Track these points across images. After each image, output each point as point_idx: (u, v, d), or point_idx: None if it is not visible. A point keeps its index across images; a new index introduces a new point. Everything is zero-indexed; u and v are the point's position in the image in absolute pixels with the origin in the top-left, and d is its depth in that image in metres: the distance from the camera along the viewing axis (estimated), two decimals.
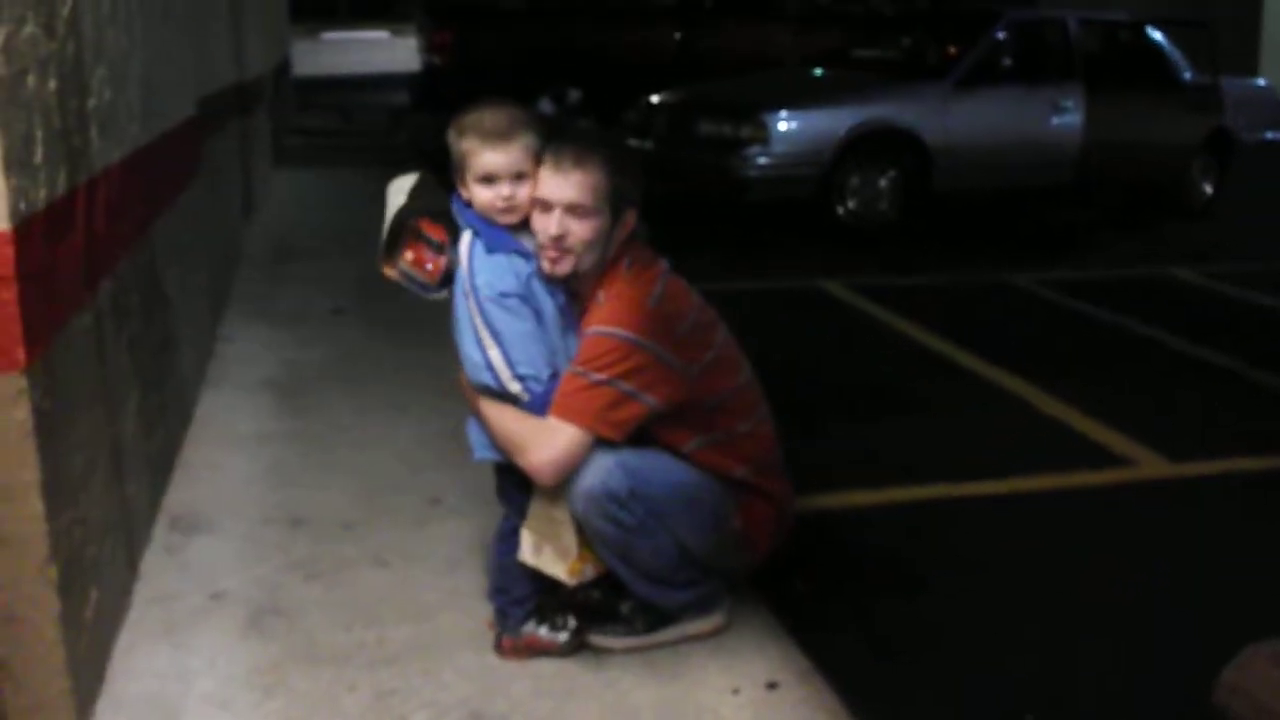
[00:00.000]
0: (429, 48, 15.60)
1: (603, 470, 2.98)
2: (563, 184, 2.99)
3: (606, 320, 3.03)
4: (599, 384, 2.97)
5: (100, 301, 3.27)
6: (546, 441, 2.98)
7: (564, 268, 3.03)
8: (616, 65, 14.15)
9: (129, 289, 3.70)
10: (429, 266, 3.12)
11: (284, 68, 14.88)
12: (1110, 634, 3.62)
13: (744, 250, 9.29)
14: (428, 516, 4.07)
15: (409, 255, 3.13)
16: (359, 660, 3.19)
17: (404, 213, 3.12)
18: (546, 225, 3.00)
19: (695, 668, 3.21)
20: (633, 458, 3.03)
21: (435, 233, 3.10)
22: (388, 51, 25.40)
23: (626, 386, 2.98)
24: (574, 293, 3.15)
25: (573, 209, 2.99)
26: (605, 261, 3.11)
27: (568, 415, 2.97)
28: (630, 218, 3.12)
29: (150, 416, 3.93)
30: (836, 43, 12.39)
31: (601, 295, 3.10)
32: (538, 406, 3.00)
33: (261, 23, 10.82)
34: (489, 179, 3.00)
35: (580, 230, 3.00)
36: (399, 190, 3.18)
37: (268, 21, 11.72)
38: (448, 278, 3.11)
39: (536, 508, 3.12)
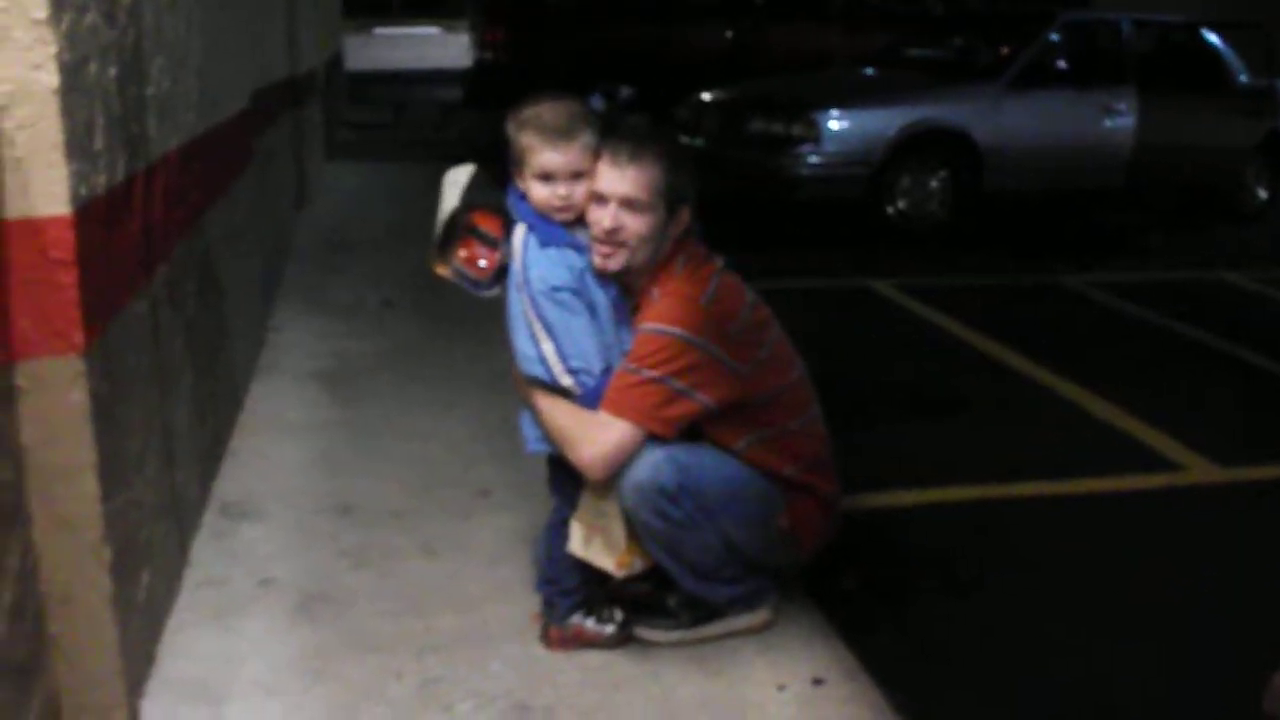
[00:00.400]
0: (482, 44, 15.71)
1: (653, 464, 2.99)
2: (619, 178, 2.99)
3: (660, 318, 3.03)
4: (651, 381, 2.97)
5: (156, 287, 3.30)
6: (597, 436, 2.98)
7: (616, 262, 3.03)
8: (668, 63, 14.17)
9: (184, 276, 3.74)
10: (482, 263, 3.12)
11: (336, 62, 14.96)
12: (1156, 638, 3.60)
13: (793, 249, 9.26)
14: (476, 508, 4.08)
15: (461, 253, 3.13)
16: (406, 648, 3.21)
17: (457, 210, 3.13)
18: (601, 218, 3.00)
19: (741, 663, 3.21)
20: (683, 453, 3.03)
21: (490, 226, 3.10)
22: (439, 47, 25.48)
23: (678, 384, 2.98)
24: (627, 288, 3.15)
25: (627, 203, 2.99)
26: (659, 258, 3.11)
27: (619, 410, 2.98)
28: (684, 215, 3.12)
29: (202, 403, 3.96)
30: (887, 42, 12.34)
31: (656, 292, 3.10)
32: (590, 400, 3.00)
33: (315, 17, 10.88)
34: (547, 177, 3.00)
35: (634, 225, 3.00)
36: (453, 183, 3.17)
37: (321, 15, 11.79)
38: (500, 274, 3.12)
39: (586, 500, 3.13)
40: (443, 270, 3.18)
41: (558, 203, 3.01)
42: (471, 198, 3.13)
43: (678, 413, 3.01)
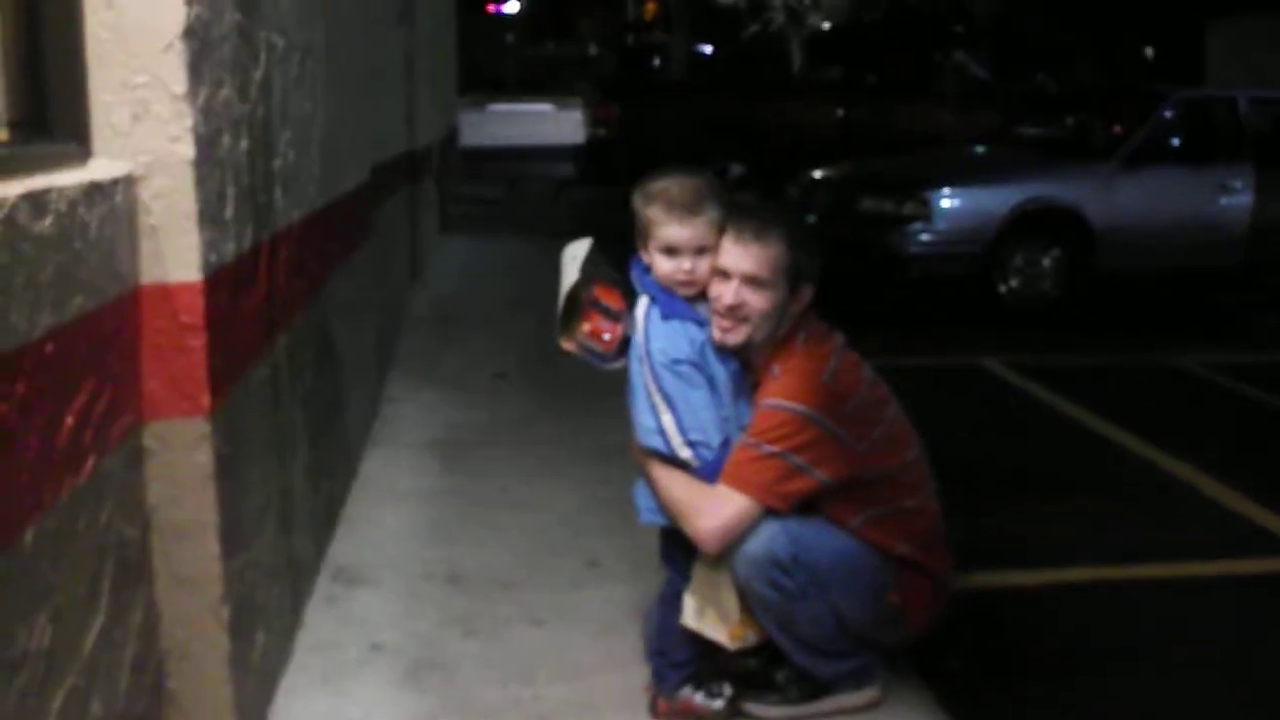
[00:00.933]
0: (595, 120, 15.89)
1: (768, 536, 2.99)
2: (742, 255, 3.02)
3: (781, 393, 3.04)
4: (771, 456, 2.98)
5: (277, 354, 3.38)
6: (715, 509, 2.99)
7: (736, 338, 3.05)
8: (779, 140, 14.22)
9: (303, 344, 3.82)
10: (606, 336, 3.14)
11: (451, 137, 15.23)
12: None
13: (904, 327, 9.22)
14: (585, 579, 4.09)
15: (585, 327, 3.15)
16: (513, 716, 3.22)
17: (579, 284, 3.15)
18: (723, 294, 3.03)
19: None
20: (796, 525, 3.02)
21: (612, 300, 3.13)
22: (551, 124, 25.89)
23: (798, 460, 2.98)
24: (747, 363, 3.16)
25: (750, 280, 3.02)
26: (780, 334, 3.13)
27: (738, 484, 2.99)
28: (806, 293, 3.13)
29: (317, 469, 4.03)
30: (999, 121, 12.31)
31: (777, 368, 3.11)
32: (707, 473, 3.01)
33: (432, 94, 11.11)
34: (671, 251, 3.03)
35: (756, 302, 3.02)
36: (572, 258, 3.20)
37: (438, 93, 12.03)
38: (624, 347, 3.14)
39: (700, 572, 3.12)
40: (569, 344, 3.20)
41: (681, 276, 3.04)
42: (591, 271, 3.15)
43: (795, 488, 3.01)
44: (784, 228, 3.10)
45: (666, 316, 3.04)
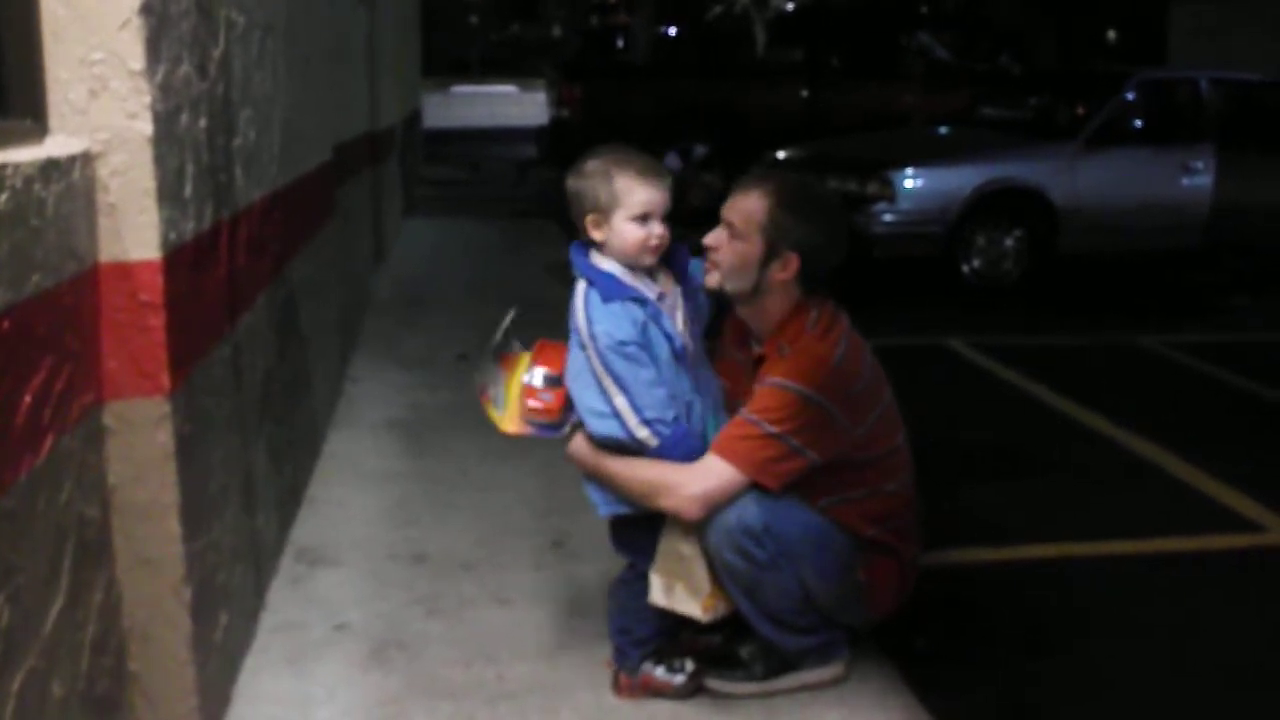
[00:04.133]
0: (559, 102, 15.87)
1: (740, 504, 3.00)
2: (729, 202, 3.18)
3: (789, 374, 3.04)
4: (770, 436, 2.99)
5: (239, 334, 3.36)
6: (700, 477, 2.99)
7: (710, 280, 3.17)
8: (743, 122, 14.23)
9: (265, 324, 3.80)
10: (548, 400, 3.18)
11: (415, 119, 15.17)
12: (1241, 696, 3.54)
13: (867, 306, 9.21)
14: (549, 559, 4.10)
15: (528, 404, 3.19)
16: (478, 696, 3.22)
17: (486, 372, 3.27)
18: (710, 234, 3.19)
19: (813, 717, 3.19)
20: (768, 496, 3.03)
21: (553, 365, 3.18)
22: (516, 106, 25.83)
23: (795, 441, 3.00)
24: (756, 338, 3.24)
25: (727, 226, 3.15)
26: (787, 309, 3.16)
27: (731, 457, 2.99)
28: (791, 261, 3.13)
29: (280, 450, 4.01)
30: (963, 102, 12.35)
31: (786, 347, 3.12)
32: (668, 451, 3.00)
33: (395, 75, 11.06)
34: (645, 217, 3.03)
35: (725, 248, 3.14)
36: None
37: (401, 74, 11.98)
38: (569, 405, 3.16)
39: (666, 547, 3.12)
40: (513, 429, 3.25)
41: (655, 241, 3.05)
42: (509, 346, 3.29)
43: (789, 468, 3.02)
44: (772, 187, 3.16)
45: (607, 299, 3.02)
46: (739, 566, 3.03)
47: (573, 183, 3.09)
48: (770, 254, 3.11)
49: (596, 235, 3.08)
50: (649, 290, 3.08)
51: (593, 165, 3.07)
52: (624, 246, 3.05)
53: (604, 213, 3.05)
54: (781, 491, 3.05)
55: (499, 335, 3.28)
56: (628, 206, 3.02)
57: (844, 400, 3.05)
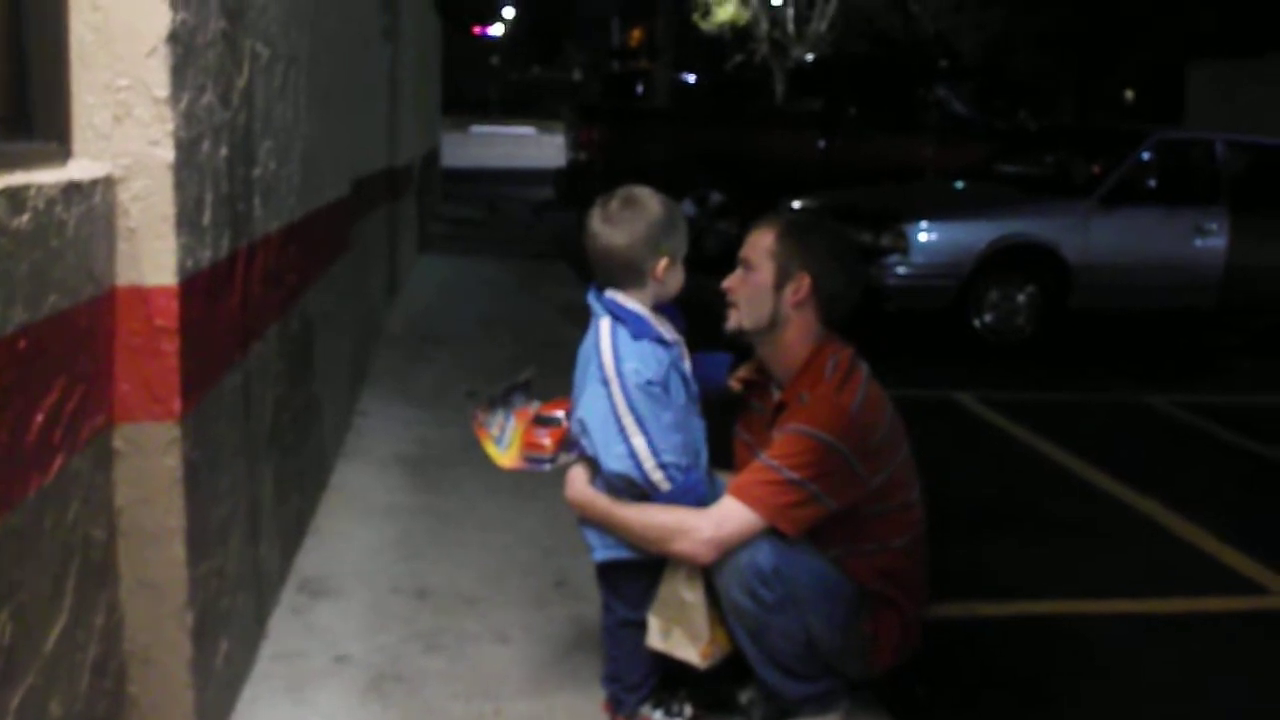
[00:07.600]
0: (576, 145, 15.92)
1: (752, 545, 2.99)
2: (744, 246, 3.25)
3: (810, 421, 3.04)
4: (790, 482, 2.98)
5: (251, 362, 3.38)
6: (717, 521, 2.99)
7: (730, 323, 3.23)
8: (760, 169, 14.27)
9: (277, 354, 3.82)
10: (546, 441, 3.26)
11: (433, 157, 15.24)
12: None
13: (878, 359, 9.22)
14: (552, 598, 4.09)
15: (529, 438, 3.27)
16: None
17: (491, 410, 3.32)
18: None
19: None
20: (782, 540, 3.02)
21: (555, 408, 3.28)
22: (533, 147, 25.94)
23: (814, 488, 2.99)
24: (776, 384, 3.26)
25: (742, 263, 3.20)
26: (805, 355, 3.20)
27: (750, 501, 2.99)
28: (803, 283, 3.16)
29: (287, 479, 4.02)
30: (979, 156, 12.38)
31: (806, 394, 3.13)
32: (677, 495, 2.99)
33: (415, 113, 11.13)
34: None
35: (740, 283, 3.21)
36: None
37: (421, 112, 12.05)
38: (564, 442, 3.22)
39: (666, 592, 3.11)
40: (510, 464, 3.31)
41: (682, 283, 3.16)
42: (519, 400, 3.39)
43: (807, 514, 3.02)
44: (781, 219, 3.26)
45: (637, 337, 3.03)
46: (746, 607, 3.02)
47: (656, 224, 3.06)
48: (782, 278, 3.15)
49: (664, 276, 3.08)
50: (669, 334, 3.10)
51: (669, 208, 3.11)
52: (676, 288, 3.12)
53: (674, 255, 3.07)
54: (796, 537, 3.05)
55: (514, 389, 3.37)
56: (675, 256, 3.09)
57: (861, 450, 3.05)
